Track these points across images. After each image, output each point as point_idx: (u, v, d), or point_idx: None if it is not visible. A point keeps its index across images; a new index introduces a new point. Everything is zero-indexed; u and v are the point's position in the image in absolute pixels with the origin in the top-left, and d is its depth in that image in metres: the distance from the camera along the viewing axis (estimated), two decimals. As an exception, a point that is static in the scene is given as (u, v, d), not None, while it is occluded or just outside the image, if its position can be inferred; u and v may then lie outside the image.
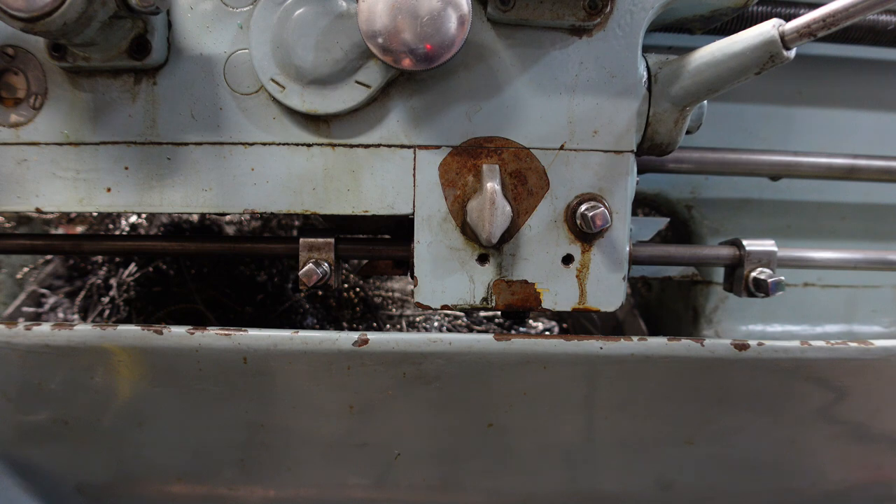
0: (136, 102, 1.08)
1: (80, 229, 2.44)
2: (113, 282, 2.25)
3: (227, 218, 2.45)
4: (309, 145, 1.10)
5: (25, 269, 2.36)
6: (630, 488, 1.36)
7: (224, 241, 1.25)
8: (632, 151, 1.12)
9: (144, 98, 1.08)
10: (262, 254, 1.23)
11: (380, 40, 0.95)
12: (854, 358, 1.19)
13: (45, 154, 1.10)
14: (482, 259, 1.13)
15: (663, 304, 1.92)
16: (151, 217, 2.42)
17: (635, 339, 1.15)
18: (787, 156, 1.39)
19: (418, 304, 1.14)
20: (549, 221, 1.13)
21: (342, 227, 1.38)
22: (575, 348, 1.13)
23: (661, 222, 1.36)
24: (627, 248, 1.15)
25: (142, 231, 2.41)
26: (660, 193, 1.59)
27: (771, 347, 1.16)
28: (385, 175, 1.10)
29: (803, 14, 0.94)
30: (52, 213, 1.40)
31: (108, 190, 1.10)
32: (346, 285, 2.37)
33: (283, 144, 1.10)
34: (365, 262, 1.28)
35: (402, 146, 1.10)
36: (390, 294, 2.42)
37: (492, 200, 1.06)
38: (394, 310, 2.37)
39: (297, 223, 2.46)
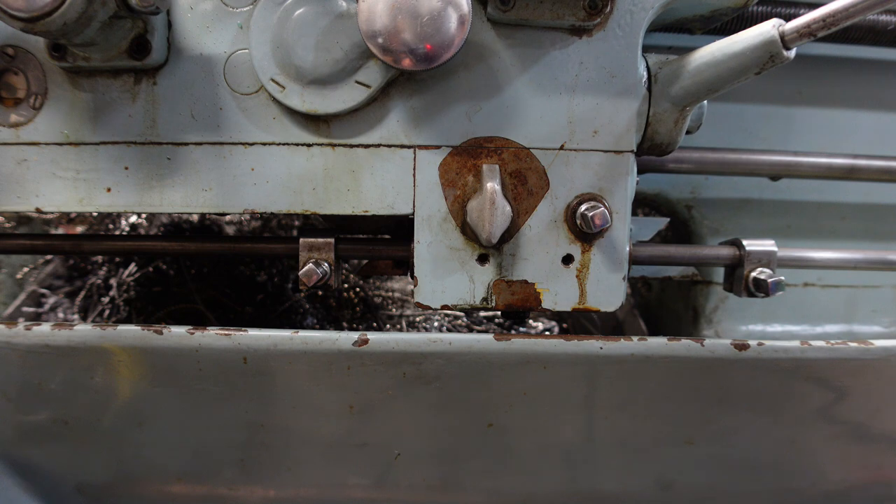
0: (136, 102, 1.08)
1: (80, 229, 2.44)
2: (113, 282, 2.25)
3: (227, 218, 2.45)
4: (309, 145, 1.10)
5: (25, 269, 2.36)
6: (630, 488, 1.36)
7: (224, 241, 1.25)
8: (632, 151, 1.12)
9: (144, 98, 1.08)
10: (262, 254, 1.23)
11: (380, 40, 0.95)
12: (854, 358, 1.19)
13: (45, 154, 1.10)
14: (482, 259, 1.13)
15: (663, 304, 1.92)
16: (151, 217, 2.41)
17: (635, 339, 1.15)
18: (787, 156, 1.39)
19: (418, 304, 1.14)
20: (549, 221, 1.13)
21: (342, 227, 1.38)
22: (575, 348, 1.13)
23: (661, 222, 1.36)
24: (627, 248, 1.15)
25: (142, 231, 2.41)
26: (660, 193, 1.59)
27: (771, 347, 1.16)
28: (385, 175, 1.10)
29: (803, 14, 0.94)
30: (52, 213, 1.40)
31: (108, 190, 1.10)
32: (346, 285, 2.37)
33: (283, 144, 1.10)
34: (365, 262, 1.28)
35: (402, 146, 1.10)
36: (390, 294, 2.42)
37: (492, 200, 1.06)
38: (394, 310, 2.37)
39: (297, 223, 2.46)
